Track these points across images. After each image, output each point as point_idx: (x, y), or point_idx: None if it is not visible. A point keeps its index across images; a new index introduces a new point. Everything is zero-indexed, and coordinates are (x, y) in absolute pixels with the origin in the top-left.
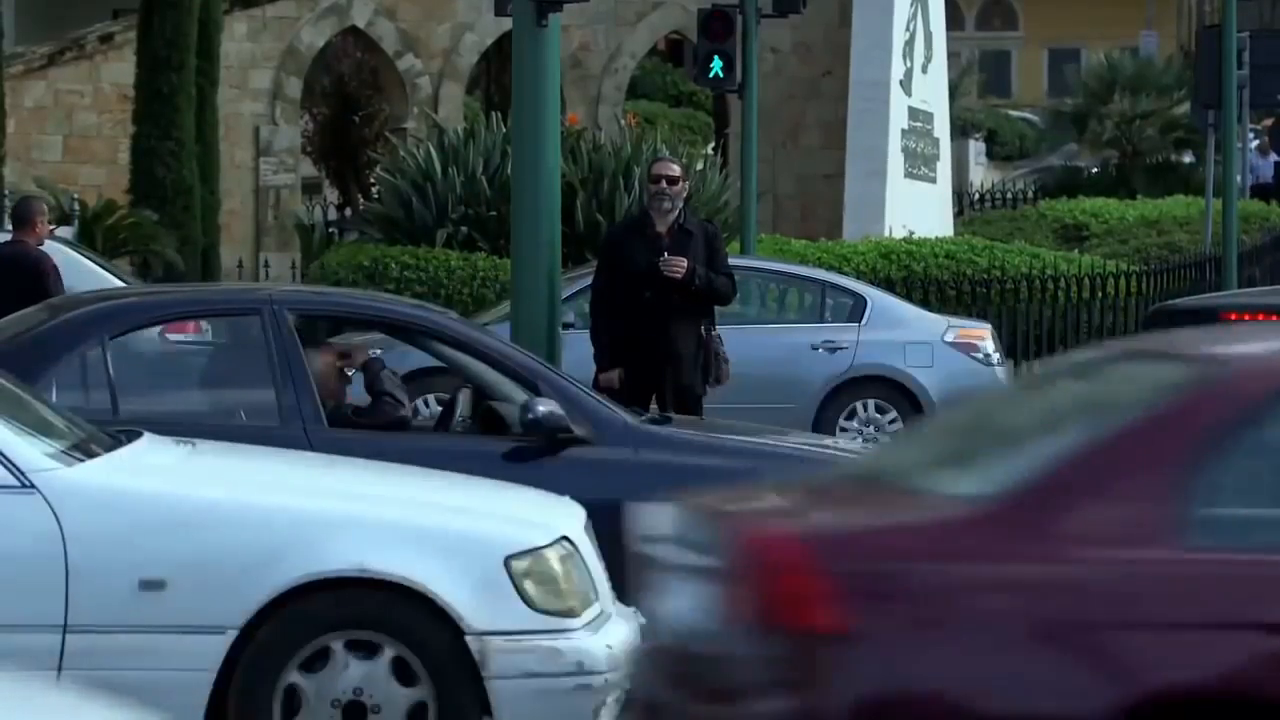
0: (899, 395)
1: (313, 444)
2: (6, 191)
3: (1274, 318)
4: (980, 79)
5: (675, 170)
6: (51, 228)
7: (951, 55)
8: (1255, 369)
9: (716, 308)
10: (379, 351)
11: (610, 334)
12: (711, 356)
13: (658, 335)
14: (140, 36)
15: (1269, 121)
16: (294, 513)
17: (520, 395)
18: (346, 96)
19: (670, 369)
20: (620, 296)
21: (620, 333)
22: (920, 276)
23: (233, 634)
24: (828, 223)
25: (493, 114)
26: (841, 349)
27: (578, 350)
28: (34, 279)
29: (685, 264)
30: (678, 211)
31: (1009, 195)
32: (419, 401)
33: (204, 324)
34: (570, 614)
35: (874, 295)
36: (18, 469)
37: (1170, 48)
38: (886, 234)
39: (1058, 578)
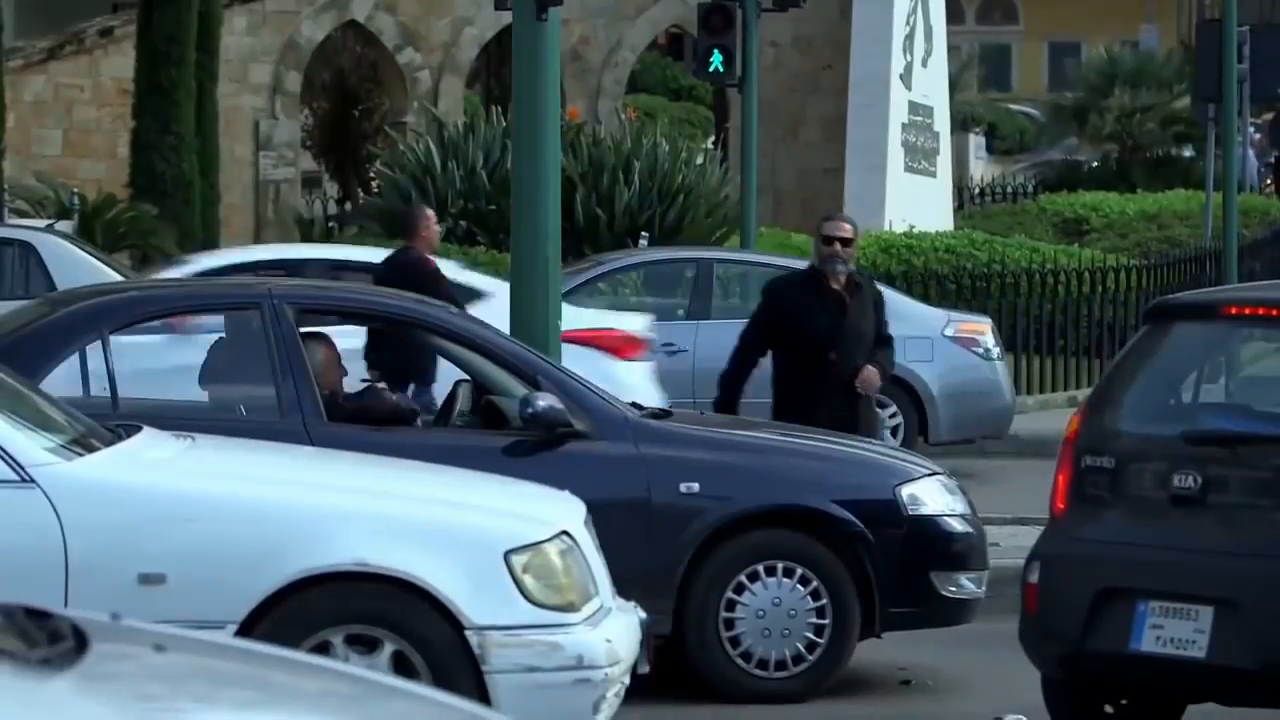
0: (899, 390)
1: (312, 438)
2: (6, 186)
3: (1274, 312)
4: (980, 73)
5: (849, 231)
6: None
7: (952, 49)
8: None
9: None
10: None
11: (739, 384)
12: (875, 416)
13: (839, 399)
14: (140, 31)
15: (1269, 116)
16: (294, 507)
17: (519, 389)
18: (346, 91)
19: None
20: (795, 359)
21: (787, 395)
22: (920, 271)
23: (232, 628)
24: None
25: (492, 108)
26: None
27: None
28: (424, 285)
29: (877, 376)
30: (851, 270)
31: (1009, 189)
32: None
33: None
34: (570, 608)
35: None
36: (17, 463)
37: (1170, 42)
38: (886, 228)
39: None
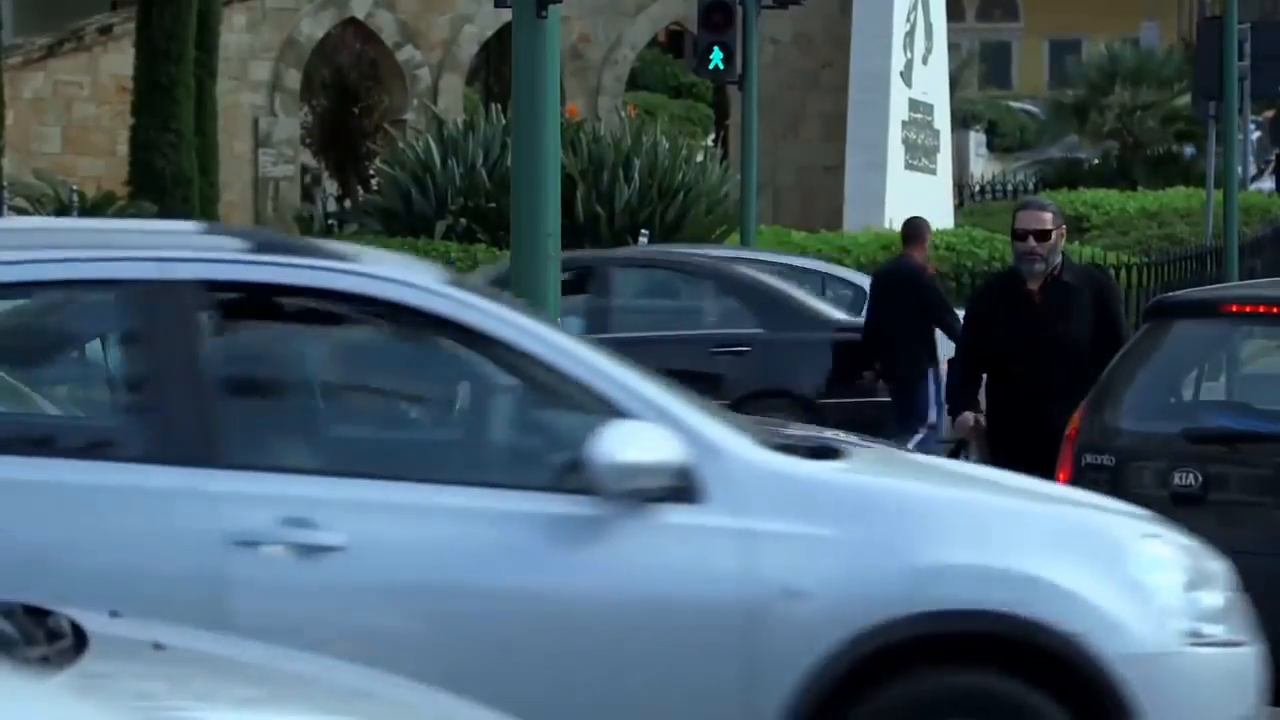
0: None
1: None
2: (5, 183)
3: (1274, 310)
4: (981, 70)
5: (1047, 222)
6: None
7: (952, 46)
8: None
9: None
10: None
11: (970, 384)
12: None
13: (1030, 421)
14: (139, 28)
15: (1270, 113)
16: None
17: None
18: (346, 88)
19: (1043, 455)
20: (990, 369)
21: (990, 411)
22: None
23: None
24: (828, 214)
25: (492, 105)
26: None
27: None
28: (916, 292)
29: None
30: (1054, 266)
31: (1009, 187)
32: None
33: None
34: None
35: None
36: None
37: (1171, 39)
38: (887, 225)
39: None
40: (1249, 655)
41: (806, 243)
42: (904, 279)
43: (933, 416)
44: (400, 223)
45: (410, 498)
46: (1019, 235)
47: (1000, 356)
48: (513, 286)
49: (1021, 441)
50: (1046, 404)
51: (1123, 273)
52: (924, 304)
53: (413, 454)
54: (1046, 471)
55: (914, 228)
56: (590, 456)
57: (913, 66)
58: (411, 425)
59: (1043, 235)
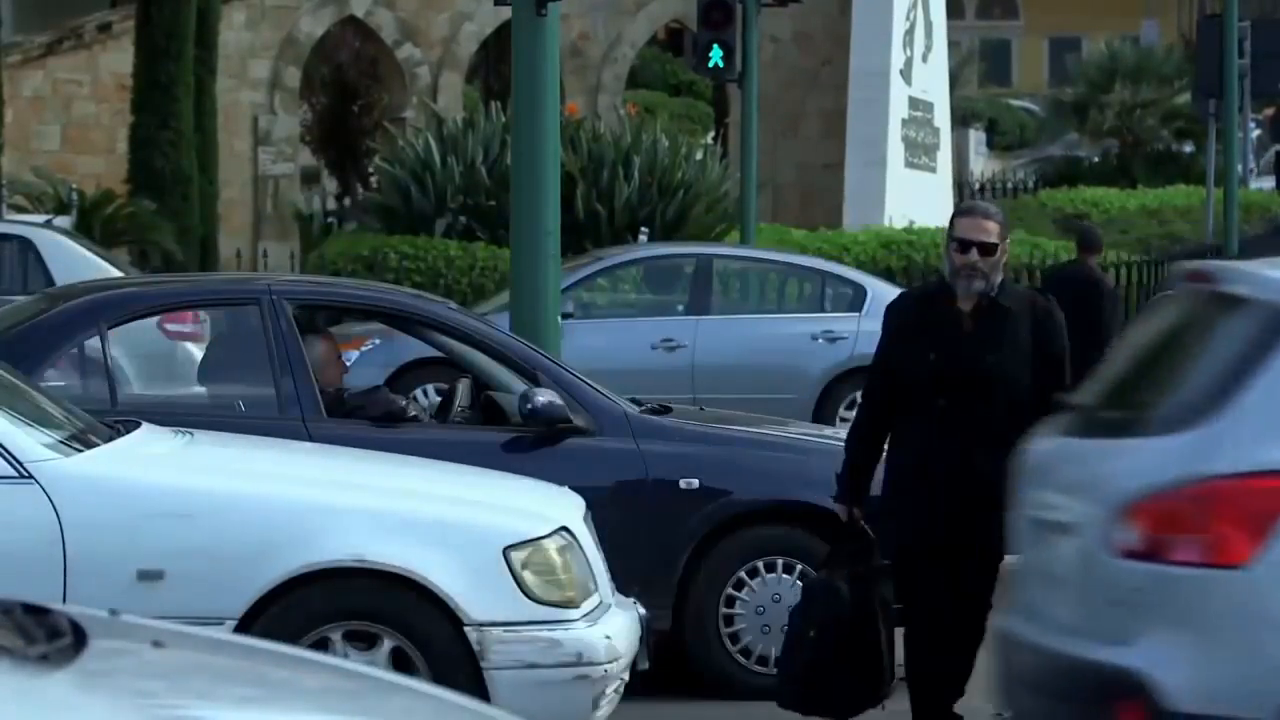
0: None
1: (311, 435)
2: (4, 181)
3: None
4: (981, 68)
5: (992, 233)
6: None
7: (952, 44)
8: None
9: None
10: (377, 341)
11: (869, 444)
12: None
13: (953, 467)
14: (139, 26)
15: (1270, 111)
16: (292, 503)
17: (519, 385)
18: (345, 86)
19: (967, 518)
20: (901, 402)
21: (897, 457)
22: (920, 266)
23: (231, 624)
24: (827, 212)
25: (492, 103)
26: (841, 339)
27: (576, 340)
28: (1090, 299)
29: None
30: (993, 285)
31: (1009, 185)
32: (418, 391)
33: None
34: (569, 605)
35: (874, 285)
36: (16, 459)
37: (1171, 36)
38: (886, 224)
39: None
40: None
41: (806, 241)
42: (1084, 287)
43: None
44: (400, 221)
45: None
46: (960, 245)
47: (915, 387)
48: (512, 284)
49: (936, 502)
50: (972, 452)
51: (1123, 271)
52: (1098, 318)
53: None
54: (985, 542)
55: (1095, 236)
56: None
57: (912, 64)
58: None
59: (988, 249)
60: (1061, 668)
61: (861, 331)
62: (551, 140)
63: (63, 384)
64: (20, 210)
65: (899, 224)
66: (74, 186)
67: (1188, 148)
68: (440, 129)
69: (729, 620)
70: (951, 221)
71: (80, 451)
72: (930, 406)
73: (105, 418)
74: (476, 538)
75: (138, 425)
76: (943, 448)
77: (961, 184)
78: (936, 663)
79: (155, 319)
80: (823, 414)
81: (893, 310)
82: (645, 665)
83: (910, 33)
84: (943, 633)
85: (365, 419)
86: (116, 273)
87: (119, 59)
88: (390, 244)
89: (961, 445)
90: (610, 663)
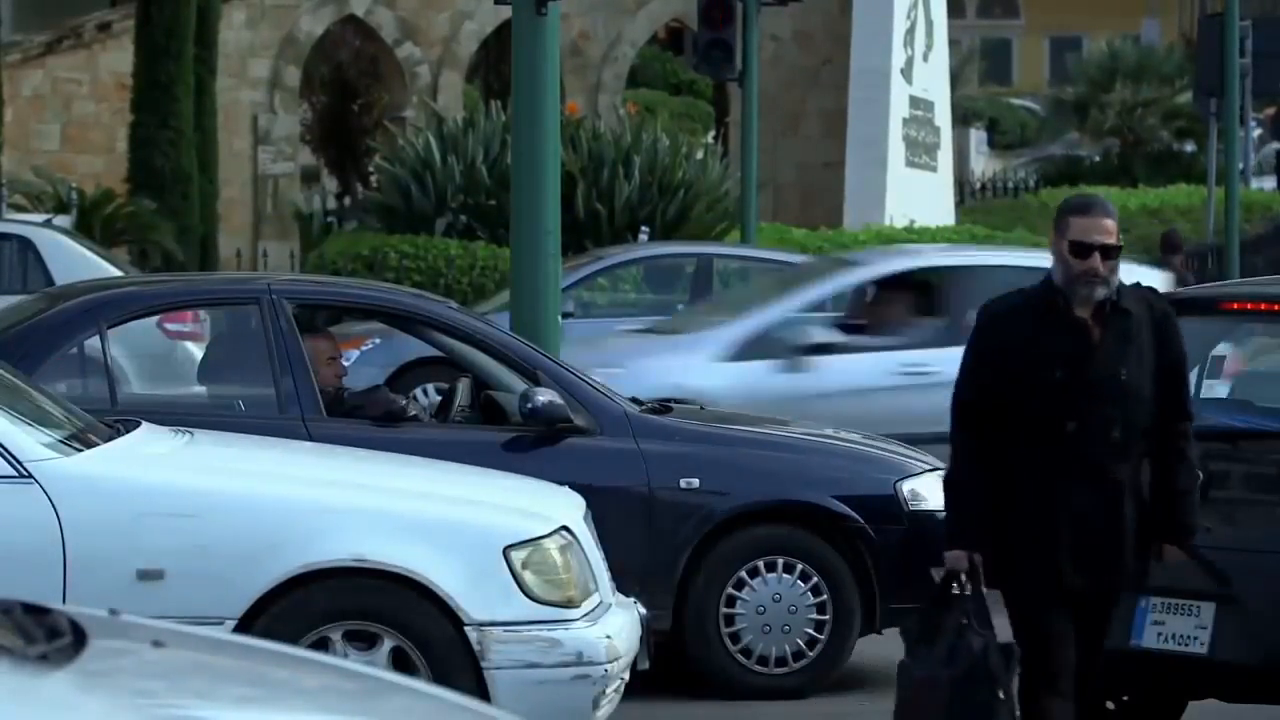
0: None
1: (311, 434)
2: (4, 180)
3: (1275, 308)
4: (981, 67)
5: (1114, 233)
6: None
7: (952, 43)
8: None
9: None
10: (377, 340)
11: (981, 482)
12: (1173, 524)
13: (1090, 501)
14: (138, 25)
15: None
16: (292, 503)
17: (520, 385)
18: (345, 85)
19: (1109, 559)
20: (1013, 425)
21: (1017, 495)
22: None
23: (231, 624)
24: (828, 211)
25: (492, 102)
26: None
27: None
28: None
29: (1182, 548)
30: (1111, 289)
31: (1010, 184)
32: (418, 391)
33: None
34: (569, 604)
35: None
36: (15, 459)
37: (1172, 35)
38: (887, 223)
39: None
40: None
41: (807, 240)
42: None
43: None
44: (400, 220)
45: None
46: (1078, 249)
47: (1041, 402)
48: (512, 284)
49: (1077, 544)
50: (1109, 482)
51: None
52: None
53: None
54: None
55: (1177, 239)
56: None
57: (913, 63)
58: None
59: (1110, 251)
60: None
61: None
62: (551, 139)
63: (63, 384)
64: (20, 210)
65: (900, 223)
66: (74, 186)
67: (1189, 147)
68: (440, 128)
69: (729, 620)
70: (1064, 219)
71: (80, 451)
72: (1056, 433)
73: (105, 417)
74: (477, 537)
75: (138, 425)
76: (1076, 478)
77: (962, 183)
78: (1057, 709)
79: (155, 319)
80: None
81: (990, 327)
82: (645, 665)
83: (911, 32)
84: (1068, 679)
85: (365, 419)
86: (116, 272)
87: (119, 58)
88: (390, 243)
89: (1096, 475)
90: (610, 663)
